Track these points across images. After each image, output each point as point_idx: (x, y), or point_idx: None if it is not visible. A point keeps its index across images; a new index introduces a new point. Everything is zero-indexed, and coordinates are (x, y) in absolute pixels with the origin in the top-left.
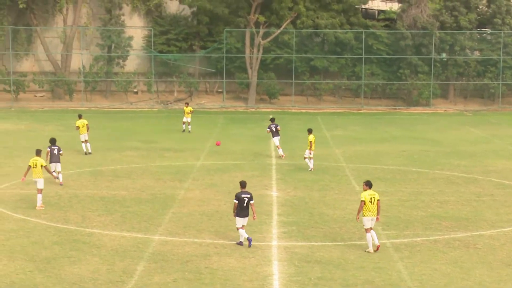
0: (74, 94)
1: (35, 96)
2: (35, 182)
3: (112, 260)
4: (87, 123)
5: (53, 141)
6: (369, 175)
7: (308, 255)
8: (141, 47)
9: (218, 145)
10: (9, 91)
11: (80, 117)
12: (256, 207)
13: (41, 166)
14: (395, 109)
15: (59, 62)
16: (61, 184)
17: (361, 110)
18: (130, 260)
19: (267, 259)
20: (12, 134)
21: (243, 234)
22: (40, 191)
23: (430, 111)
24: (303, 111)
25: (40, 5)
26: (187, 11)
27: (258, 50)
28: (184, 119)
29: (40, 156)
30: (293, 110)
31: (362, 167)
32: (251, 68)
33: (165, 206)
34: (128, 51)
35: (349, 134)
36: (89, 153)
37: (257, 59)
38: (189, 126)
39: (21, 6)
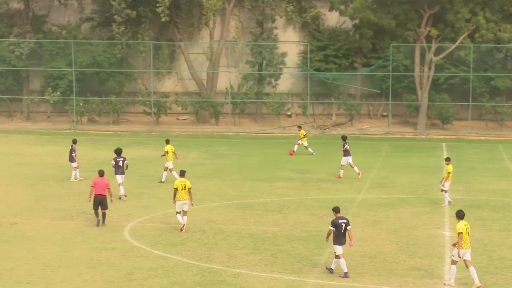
0: (220, 117)
1: (178, 119)
2: (182, 204)
3: None
4: (174, 149)
5: (119, 152)
6: None
7: None
8: (296, 65)
9: (291, 155)
10: (149, 114)
11: (167, 142)
12: (427, 248)
13: (188, 188)
14: None
15: (205, 82)
16: (125, 196)
17: None
18: None
19: None
20: (152, 161)
21: (333, 264)
22: (185, 213)
23: None
24: (482, 138)
25: (184, 18)
26: (348, 23)
27: (430, 68)
28: (301, 142)
29: (184, 177)
30: (470, 137)
31: None
32: (421, 88)
33: (321, 245)
34: (281, 69)
35: None
36: (162, 182)
37: (428, 78)
38: (309, 149)
39: (163, 19)
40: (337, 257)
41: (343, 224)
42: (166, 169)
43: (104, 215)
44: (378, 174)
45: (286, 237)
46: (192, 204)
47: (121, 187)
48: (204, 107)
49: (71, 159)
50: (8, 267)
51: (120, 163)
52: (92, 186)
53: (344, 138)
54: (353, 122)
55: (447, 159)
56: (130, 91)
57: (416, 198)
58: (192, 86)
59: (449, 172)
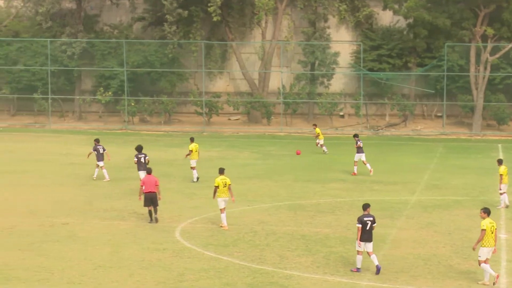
0: (272, 117)
1: (229, 119)
2: (222, 201)
3: None
4: (198, 147)
5: (139, 149)
6: None
7: None
8: (349, 64)
9: (298, 154)
10: (201, 114)
11: (192, 140)
12: None
13: (229, 184)
14: None
15: (256, 82)
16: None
17: None
18: None
19: None
20: (203, 162)
21: (374, 261)
22: (223, 210)
23: None
24: None
25: (236, 18)
26: (401, 23)
27: (485, 68)
28: (318, 141)
29: (224, 175)
30: None
31: None
32: (477, 88)
33: (375, 247)
34: (333, 68)
35: None
36: (195, 181)
37: (483, 78)
38: (324, 147)
39: (215, 19)
40: (358, 252)
41: (369, 222)
42: (194, 168)
43: (156, 211)
44: (432, 176)
45: (339, 239)
46: (233, 199)
47: None
48: (256, 107)
49: (100, 158)
50: (60, 267)
51: (142, 160)
52: (141, 185)
53: (356, 136)
54: (407, 122)
55: (499, 161)
56: (181, 91)
57: (470, 200)
58: (243, 86)
59: (501, 174)
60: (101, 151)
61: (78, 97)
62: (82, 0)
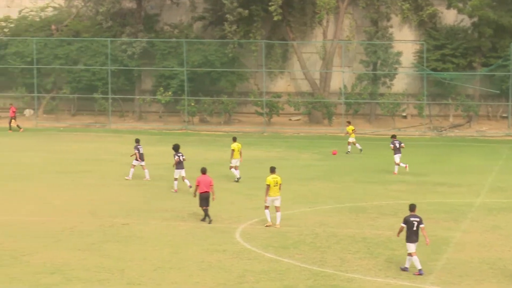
0: (333, 118)
1: (290, 119)
2: (273, 200)
3: None
4: (241, 147)
5: (177, 148)
6: None
7: None
8: (412, 64)
9: (335, 154)
10: (261, 114)
11: (234, 140)
12: None
13: (280, 184)
14: None
15: (317, 81)
16: (190, 187)
17: None
18: None
19: None
20: (263, 162)
21: (406, 263)
22: (278, 208)
23: None
24: None
25: (297, 17)
26: (466, 22)
27: None
28: (350, 139)
29: (275, 173)
30: None
31: None
32: None
33: (438, 250)
34: (396, 68)
35: None
36: (238, 179)
37: None
38: (357, 145)
39: (276, 18)
40: (410, 255)
41: (415, 222)
42: (236, 168)
43: (206, 211)
44: (497, 178)
45: (401, 242)
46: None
47: (186, 180)
48: (317, 107)
49: (141, 158)
50: (120, 268)
51: (181, 158)
52: (197, 185)
53: (393, 136)
54: (472, 123)
55: None
56: (242, 91)
57: None
58: (304, 86)
59: None
60: (141, 151)
61: (138, 97)
62: (142, 0)
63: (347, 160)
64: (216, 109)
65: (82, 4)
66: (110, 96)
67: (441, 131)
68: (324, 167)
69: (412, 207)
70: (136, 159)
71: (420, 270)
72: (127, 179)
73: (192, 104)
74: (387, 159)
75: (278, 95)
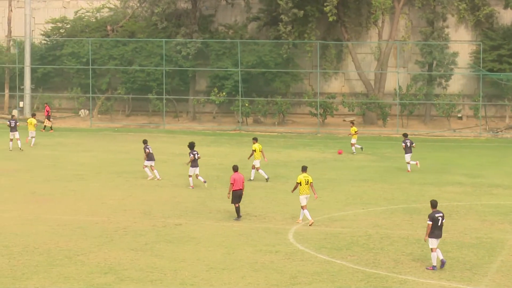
0: (388, 118)
1: (344, 120)
2: (304, 198)
3: None
4: (261, 148)
5: (192, 146)
6: None
7: None
8: (468, 65)
9: (340, 154)
10: (315, 115)
11: (255, 140)
12: None
13: (310, 182)
14: None
15: (372, 82)
16: (204, 182)
17: None
18: None
19: None
20: (317, 164)
21: (439, 256)
22: (305, 207)
23: None
24: None
25: (352, 18)
26: None
27: None
28: (353, 141)
29: (306, 172)
30: None
31: None
32: None
33: (493, 253)
34: (452, 69)
35: None
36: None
37: None
38: (356, 145)
39: (331, 19)
40: (432, 250)
41: (440, 218)
42: (253, 167)
43: (238, 208)
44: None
45: (455, 244)
46: (316, 196)
47: (200, 177)
48: (371, 108)
49: (151, 158)
50: (173, 268)
51: (196, 156)
52: (232, 183)
53: (405, 135)
54: None
55: None
56: (296, 91)
57: None
58: (359, 87)
59: None
60: (150, 151)
61: (192, 97)
62: (197, 0)
63: (402, 161)
64: (270, 109)
65: (138, 5)
66: (164, 96)
67: (497, 132)
68: (378, 168)
69: (434, 203)
70: (147, 160)
71: (433, 266)
72: (150, 179)
73: (246, 104)
74: (443, 160)
75: (332, 95)
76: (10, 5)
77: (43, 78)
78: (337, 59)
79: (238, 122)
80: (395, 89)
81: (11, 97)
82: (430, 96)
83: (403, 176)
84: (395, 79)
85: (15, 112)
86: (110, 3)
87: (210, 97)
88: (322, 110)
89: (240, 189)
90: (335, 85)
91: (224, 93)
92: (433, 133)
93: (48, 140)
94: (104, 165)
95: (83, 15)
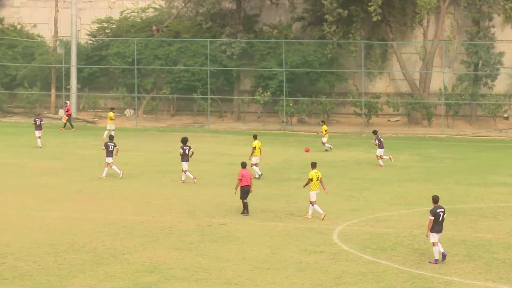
0: (433, 119)
1: (389, 120)
2: (314, 194)
3: None
4: (261, 145)
5: (185, 141)
6: None
7: None
8: None
9: (307, 152)
10: (360, 115)
11: (255, 137)
12: None
13: (320, 178)
14: None
15: (417, 82)
16: (195, 179)
17: None
18: None
19: None
20: (361, 164)
21: (440, 250)
22: (314, 203)
23: None
24: None
25: (397, 17)
26: None
27: None
28: (324, 139)
29: (316, 168)
30: None
31: None
32: None
33: None
34: (498, 69)
35: None
36: (260, 176)
37: None
38: (326, 144)
39: (375, 18)
40: (434, 244)
41: (441, 213)
42: (256, 165)
43: (246, 204)
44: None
45: (502, 245)
46: (326, 191)
47: (188, 173)
48: (416, 108)
49: (187, 158)
50: (218, 267)
51: (187, 151)
52: (239, 179)
53: (375, 132)
54: None
55: None
56: (340, 91)
57: None
58: (404, 87)
59: None
60: (110, 148)
61: (236, 97)
62: (242, 0)
63: (447, 162)
64: (315, 109)
65: (183, 5)
66: (209, 96)
67: None
68: (423, 168)
69: (436, 199)
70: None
71: (436, 260)
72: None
73: (291, 104)
74: (488, 161)
75: (377, 95)
76: (56, 5)
77: (89, 78)
78: (381, 59)
79: (283, 122)
80: (440, 89)
81: (57, 97)
82: (476, 96)
83: (448, 176)
84: (441, 79)
85: (61, 112)
86: (155, 3)
87: (255, 97)
88: (366, 110)
89: (248, 185)
90: (380, 85)
91: (268, 93)
92: (478, 134)
93: (93, 140)
94: (149, 164)
95: (128, 15)
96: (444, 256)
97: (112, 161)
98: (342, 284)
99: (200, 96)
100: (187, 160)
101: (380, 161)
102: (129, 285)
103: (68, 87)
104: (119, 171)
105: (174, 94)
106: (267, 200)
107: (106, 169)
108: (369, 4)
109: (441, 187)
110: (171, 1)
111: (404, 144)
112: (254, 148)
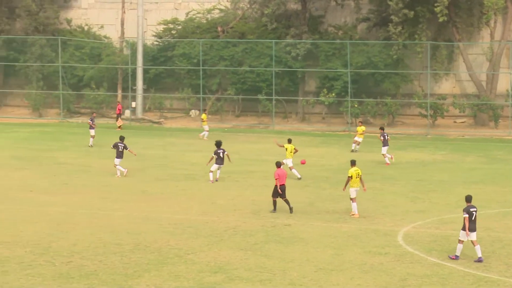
0: (500, 120)
1: (455, 122)
2: (354, 191)
3: None
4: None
5: (219, 144)
6: None
7: None
8: None
9: (303, 163)
10: (425, 116)
11: (289, 141)
12: None
13: (360, 175)
14: None
15: (484, 83)
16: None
17: None
18: None
19: None
20: (427, 165)
21: (478, 253)
22: (354, 200)
23: None
24: None
25: (464, 18)
26: None
27: None
28: (357, 138)
29: (356, 166)
30: None
31: None
32: None
33: None
34: None
35: None
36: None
37: None
38: (354, 145)
39: (441, 19)
40: (460, 242)
41: (474, 212)
42: (291, 168)
43: (287, 201)
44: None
45: None
46: (364, 189)
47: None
48: (483, 109)
49: (222, 161)
50: (282, 268)
51: (221, 154)
52: (277, 178)
53: (382, 128)
54: None
55: None
56: (405, 92)
57: None
58: (470, 88)
59: None
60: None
61: (301, 98)
62: (307, 2)
63: None
64: (380, 111)
65: (248, 6)
66: (274, 97)
67: None
68: (490, 170)
69: (469, 198)
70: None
71: (457, 256)
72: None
73: (356, 105)
74: None
75: (442, 97)
76: (123, 7)
77: (155, 79)
78: (448, 60)
79: (347, 123)
80: (507, 90)
81: (123, 97)
82: None
83: None
84: (508, 80)
85: (127, 113)
86: (221, 4)
87: (320, 98)
88: (432, 111)
89: (283, 184)
90: (446, 86)
91: (333, 94)
92: None
93: (159, 140)
94: None
95: (194, 16)
96: (480, 260)
97: (119, 163)
98: (407, 286)
99: (265, 97)
100: (222, 163)
101: (386, 159)
102: (193, 285)
103: (134, 87)
104: (123, 170)
105: (239, 95)
106: (331, 201)
107: (119, 167)
108: (435, 4)
109: (507, 189)
110: (236, 2)
111: (470, 145)
112: (286, 149)
